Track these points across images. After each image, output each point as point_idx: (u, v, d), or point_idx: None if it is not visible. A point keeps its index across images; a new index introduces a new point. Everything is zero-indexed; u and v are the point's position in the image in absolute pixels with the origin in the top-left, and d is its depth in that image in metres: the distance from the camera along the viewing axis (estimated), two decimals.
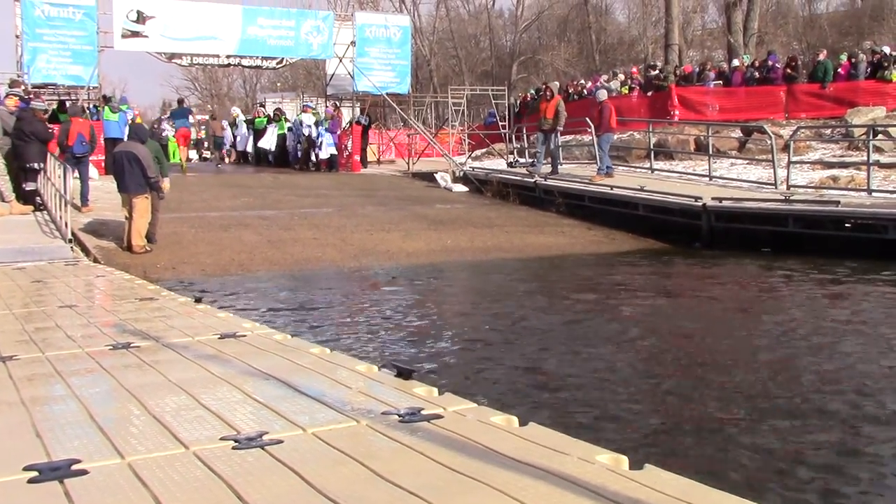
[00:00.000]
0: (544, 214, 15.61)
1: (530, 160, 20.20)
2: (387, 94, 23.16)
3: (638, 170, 17.51)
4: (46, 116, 14.61)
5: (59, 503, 2.14)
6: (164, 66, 26.59)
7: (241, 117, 26.89)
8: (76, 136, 13.40)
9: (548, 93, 18.10)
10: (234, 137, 26.56)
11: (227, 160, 26.66)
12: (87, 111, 18.26)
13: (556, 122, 16.81)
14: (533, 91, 28.47)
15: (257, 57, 22.32)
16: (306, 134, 22.61)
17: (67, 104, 17.64)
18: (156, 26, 20.09)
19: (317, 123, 22.28)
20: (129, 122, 17.75)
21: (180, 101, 28.82)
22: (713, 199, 13.04)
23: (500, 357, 6.41)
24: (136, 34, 20.00)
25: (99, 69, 19.93)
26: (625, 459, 2.34)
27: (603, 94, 16.99)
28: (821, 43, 32.69)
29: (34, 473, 2.32)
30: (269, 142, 23.62)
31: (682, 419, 4.86)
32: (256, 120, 25.33)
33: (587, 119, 17.42)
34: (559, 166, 17.51)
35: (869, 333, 7.01)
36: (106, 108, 18.67)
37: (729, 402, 5.17)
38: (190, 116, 26.73)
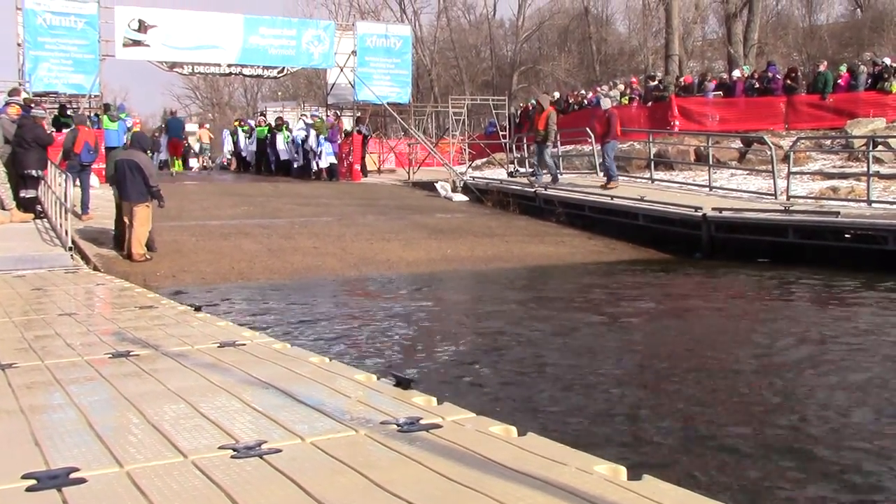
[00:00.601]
0: (544, 224, 15.63)
1: (530, 170, 20.26)
2: (387, 103, 23.21)
3: (638, 180, 17.53)
4: (47, 122, 14.65)
5: None
6: (166, 74, 26.70)
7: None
8: (83, 144, 13.43)
9: (538, 105, 18.28)
10: (236, 145, 26.69)
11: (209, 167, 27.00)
12: (90, 120, 18.30)
13: (548, 133, 16.91)
14: (534, 101, 28.52)
15: (258, 66, 22.42)
16: (301, 139, 22.62)
17: (70, 112, 17.71)
18: (157, 35, 20.16)
19: (315, 130, 22.19)
20: (129, 129, 17.81)
21: (173, 113, 29.03)
22: (713, 209, 13.05)
23: (499, 367, 6.40)
24: (137, 43, 20.07)
25: (100, 78, 20.00)
26: (623, 470, 2.34)
27: (607, 103, 17.00)
28: (821, 54, 32.77)
29: (32, 482, 2.32)
30: (286, 151, 23.49)
31: (681, 430, 4.85)
32: (257, 129, 25.40)
33: (588, 129, 17.49)
34: (559, 175, 17.54)
35: (870, 345, 7.00)
36: (105, 116, 18.70)
37: (729, 414, 5.16)
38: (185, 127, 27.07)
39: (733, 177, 17.22)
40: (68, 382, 3.73)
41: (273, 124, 25.06)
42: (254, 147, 25.49)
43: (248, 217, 15.18)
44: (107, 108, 20.30)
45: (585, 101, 24.06)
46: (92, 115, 19.32)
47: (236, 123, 28.91)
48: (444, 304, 9.93)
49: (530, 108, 27.14)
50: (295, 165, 22.91)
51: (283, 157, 23.46)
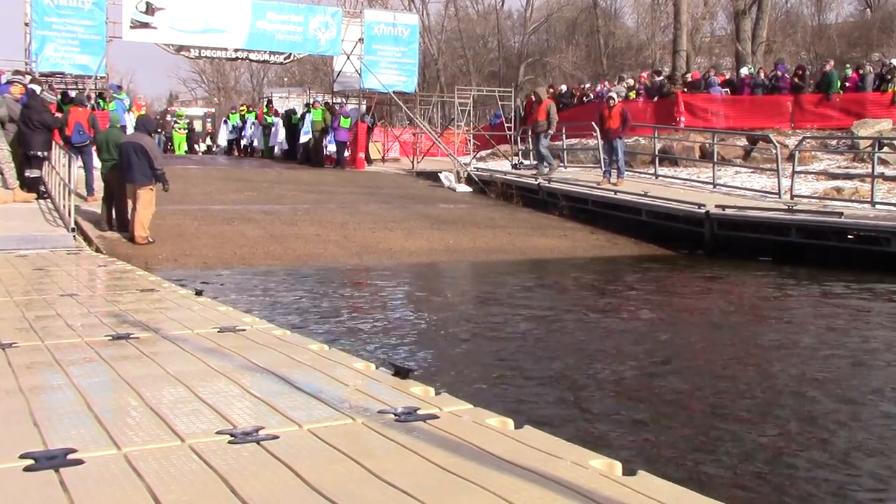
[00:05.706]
0: (547, 217, 15.62)
1: (534, 162, 20.24)
2: (393, 92, 23.15)
3: (642, 175, 17.50)
4: (54, 105, 14.65)
5: (54, 492, 2.15)
6: (172, 57, 26.71)
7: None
8: (74, 124, 13.44)
9: (537, 97, 18.67)
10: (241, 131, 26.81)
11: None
12: (93, 101, 18.24)
13: (549, 123, 17.10)
14: (534, 94, 28.45)
15: (265, 51, 22.31)
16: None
17: (74, 94, 17.66)
18: (164, 18, 20.10)
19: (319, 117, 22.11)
20: (128, 110, 17.76)
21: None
22: (716, 206, 13.04)
23: (497, 359, 6.41)
24: (144, 25, 20.01)
25: (107, 59, 19.94)
26: (618, 465, 2.35)
27: (615, 98, 16.86)
28: (829, 53, 32.65)
29: (30, 461, 2.34)
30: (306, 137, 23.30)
31: (677, 426, 4.87)
32: (230, 116, 25.52)
33: (593, 123, 17.43)
34: (553, 166, 17.62)
35: (866, 346, 7.01)
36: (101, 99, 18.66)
37: (725, 411, 5.17)
38: None
39: (738, 174, 17.20)
40: (68, 363, 3.74)
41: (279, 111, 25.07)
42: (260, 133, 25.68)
43: (251, 203, 15.18)
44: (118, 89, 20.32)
45: (592, 95, 23.96)
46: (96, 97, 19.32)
47: (243, 109, 28.90)
48: (445, 294, 9.93)
49: (533, 99, 27.12)
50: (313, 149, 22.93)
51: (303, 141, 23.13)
